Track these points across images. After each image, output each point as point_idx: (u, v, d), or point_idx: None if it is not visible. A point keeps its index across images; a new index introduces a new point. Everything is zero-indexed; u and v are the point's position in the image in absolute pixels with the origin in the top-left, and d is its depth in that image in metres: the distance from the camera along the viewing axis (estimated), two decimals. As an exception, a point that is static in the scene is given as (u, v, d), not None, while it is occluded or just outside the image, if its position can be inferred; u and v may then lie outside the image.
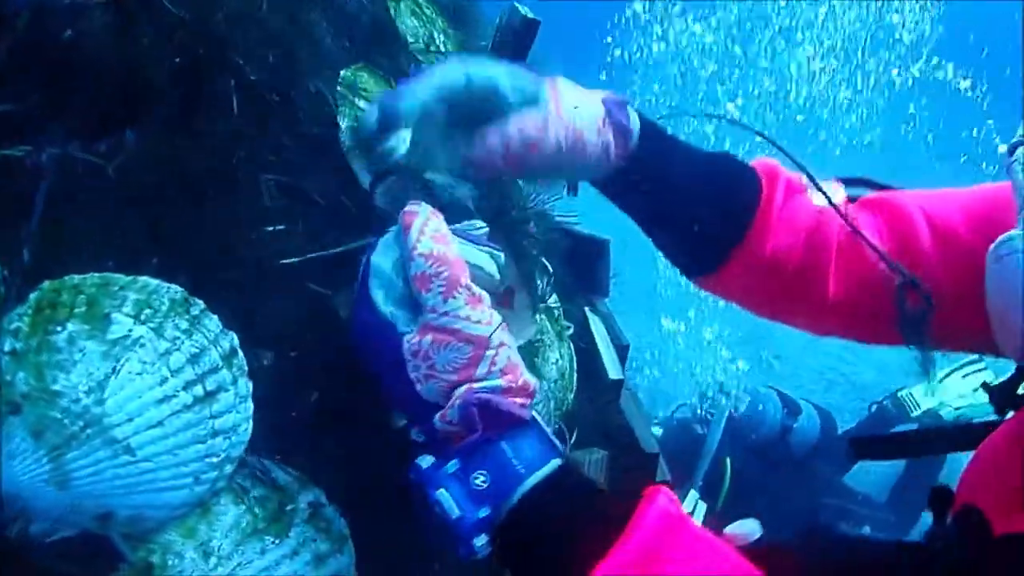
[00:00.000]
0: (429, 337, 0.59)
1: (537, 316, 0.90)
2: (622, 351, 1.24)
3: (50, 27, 0.56)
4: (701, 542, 0.55)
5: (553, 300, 0.99)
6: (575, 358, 1.01)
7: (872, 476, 3.29)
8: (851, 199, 0.85)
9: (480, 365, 0.60)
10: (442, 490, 0.58)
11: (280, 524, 0.64)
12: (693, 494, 2.44)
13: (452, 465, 0.59)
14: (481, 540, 0.58)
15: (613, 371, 1.14)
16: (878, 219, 0.83)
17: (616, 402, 1.12)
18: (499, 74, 0.71)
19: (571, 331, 1.05)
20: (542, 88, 0.73)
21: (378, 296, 0.61)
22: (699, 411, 2.98)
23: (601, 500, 0.61)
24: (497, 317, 0.61)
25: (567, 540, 0.57)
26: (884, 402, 3.27)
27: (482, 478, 0.59)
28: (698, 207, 0.80)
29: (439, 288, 0.60)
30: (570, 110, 0.73)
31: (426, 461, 0.60)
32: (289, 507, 0.65)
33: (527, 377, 0.62)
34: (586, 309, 1.21)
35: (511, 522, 0.58)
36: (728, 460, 2.76)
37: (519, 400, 0.61)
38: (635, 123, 0.77)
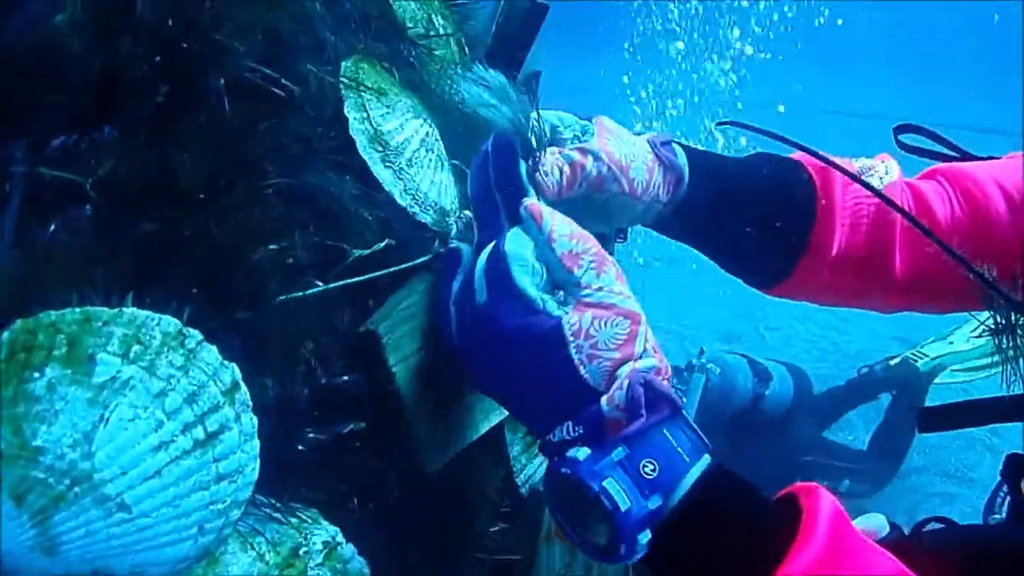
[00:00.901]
0: (588, 314, 0.57)
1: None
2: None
3: (10, 28, 0.48)
4: (867, 544, 0.53)
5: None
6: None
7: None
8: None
9: (637, 341, 0.57)
10: (610, 479, 0.53)
11: (294, 569, 0.58)
12: None
13: (618, 452, 0.54)
14: (645, 536, 0.53)
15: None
16: (945, 188, 0.82)
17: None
18: (550, 116, 0.71)
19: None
20: (589, 125, 0.71)
21: (525, 282, 0.58)
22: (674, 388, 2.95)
23: (760, 496, 0.57)
24: None
25: (739, 537, 0.54)
26: (875, 367, 3.25)
27: (651, 466, 0.54)
28: (759, 224, 0.78)
29: (590, 263, 0.58)
30: (616, 145, 0.70)
31: (582, 453, 0.55)
32: (303, 550, 0.59)
33: (666, 359, 0.60)
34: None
35: (674, 517, 0.54)
36: None
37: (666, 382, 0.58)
38: (682, 159, 0.75)
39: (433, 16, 0.87)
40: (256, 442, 0.54)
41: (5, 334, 0.47)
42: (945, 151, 0.92)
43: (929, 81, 9.31)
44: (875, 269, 0.80)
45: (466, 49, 0.92)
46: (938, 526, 0.78)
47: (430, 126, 0.77)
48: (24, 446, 0.46)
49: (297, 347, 0.58)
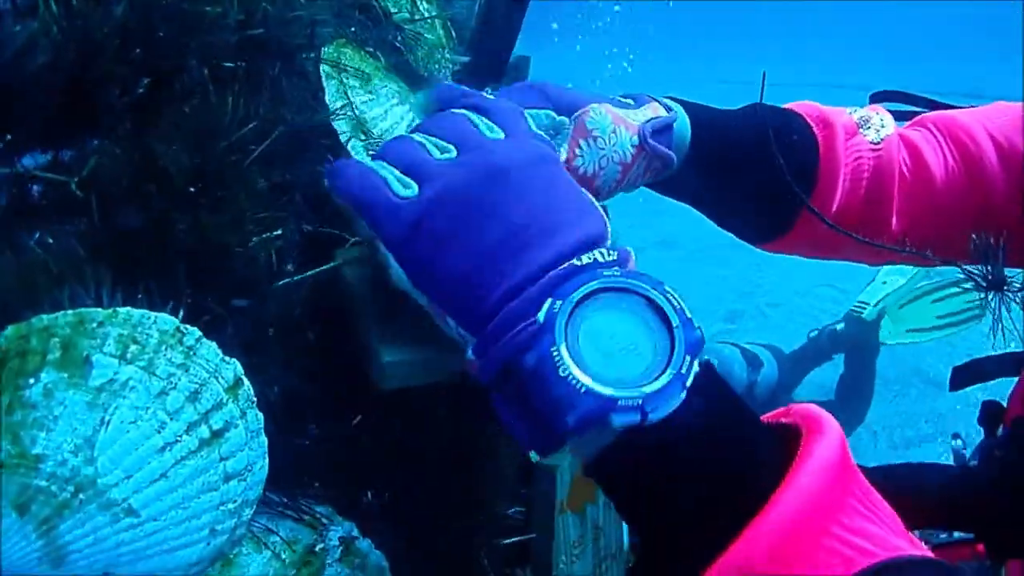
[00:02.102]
0: None
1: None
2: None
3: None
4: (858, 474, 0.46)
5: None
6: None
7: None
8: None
9: None
10: (662, 285, 0.45)
11: (311, 567, 0.57)
12: None
13: (647, 279, 0.46)
14: (696, 366, 0.44)
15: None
16: (937, 137, 0.81)
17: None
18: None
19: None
20: (565, 128, 0.62)
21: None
22: None
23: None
24: None
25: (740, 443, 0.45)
26: (823, 332, 3.36)
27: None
28: (760, 181, 0.75)
29: None
30: (587, 154, 0.62)
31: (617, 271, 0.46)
32: (319, 546, 0.58)
33: None
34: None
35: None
36: None
37: None
38: (682, 133, 0.69)
39: (417, 0, 0.86)
40: (263, 438, 0.53)
41: (-3, 341, 0.45)
42: (923, 110, 0.92)
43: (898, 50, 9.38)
44: (873, 225, 0.79)
45: (452, 32, 0.90)
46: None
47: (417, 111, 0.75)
48: (24, 455, 0.44)
49: (300, 338, 0.57)
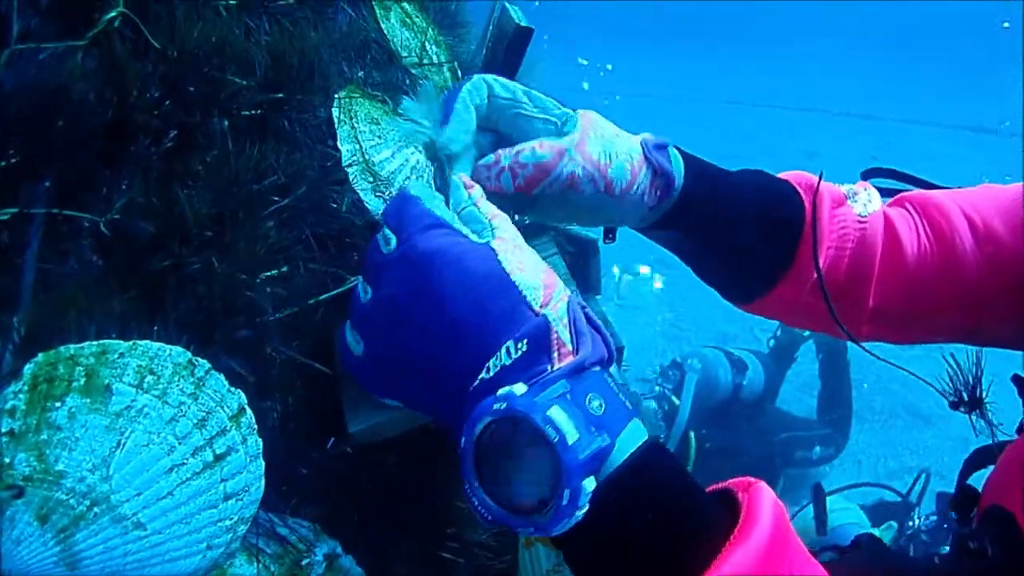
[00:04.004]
0: (510, 244, 0.55)
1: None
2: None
3: (26, 77, 0.52)
4: (801, 550, 0.50)
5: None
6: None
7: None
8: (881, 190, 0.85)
9: (559, 283, 0.55)
10: (555, 407, 0.47)
11: (297, 580, 0.62)
12: None
13: (560, 386, 0.48)
14: (591, 484, 0.46)
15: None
16: (913, 216, 0.82)
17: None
18: (521, 94, 0.67)
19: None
20: (573, 116, 0.67)
21: (445, 214, 0.56)
22: (656, 388, 3.03)
23: (691, 482, 0.52)
24: None
25: (682, 514, 0.49)
26: (777, 334, 3.47)
27: (598, 402, 0.49)
28: (745, 240, 0.77)
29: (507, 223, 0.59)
30: (597, 144, 0.67)
31: (518, 389, 0.48)
32: (305, 561, 0.63)
33: None
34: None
35: (620, 472, 0.49)
36: (692, 435, 2.82)
37: None
38: (678, 166, 0.73)
39: (427, 44, 0.91)
40: (261, 463, 0.58)
41: (28, 367, 0.50)
42: (913, 188, 0.90)
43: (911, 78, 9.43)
44: (852, 296, 0.80)
45: (459, 74, 0.95)
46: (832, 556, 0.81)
47: (421, 153, 0.80)
48: (47, 470, 0.49)
49: (298, 371, 0.62)
